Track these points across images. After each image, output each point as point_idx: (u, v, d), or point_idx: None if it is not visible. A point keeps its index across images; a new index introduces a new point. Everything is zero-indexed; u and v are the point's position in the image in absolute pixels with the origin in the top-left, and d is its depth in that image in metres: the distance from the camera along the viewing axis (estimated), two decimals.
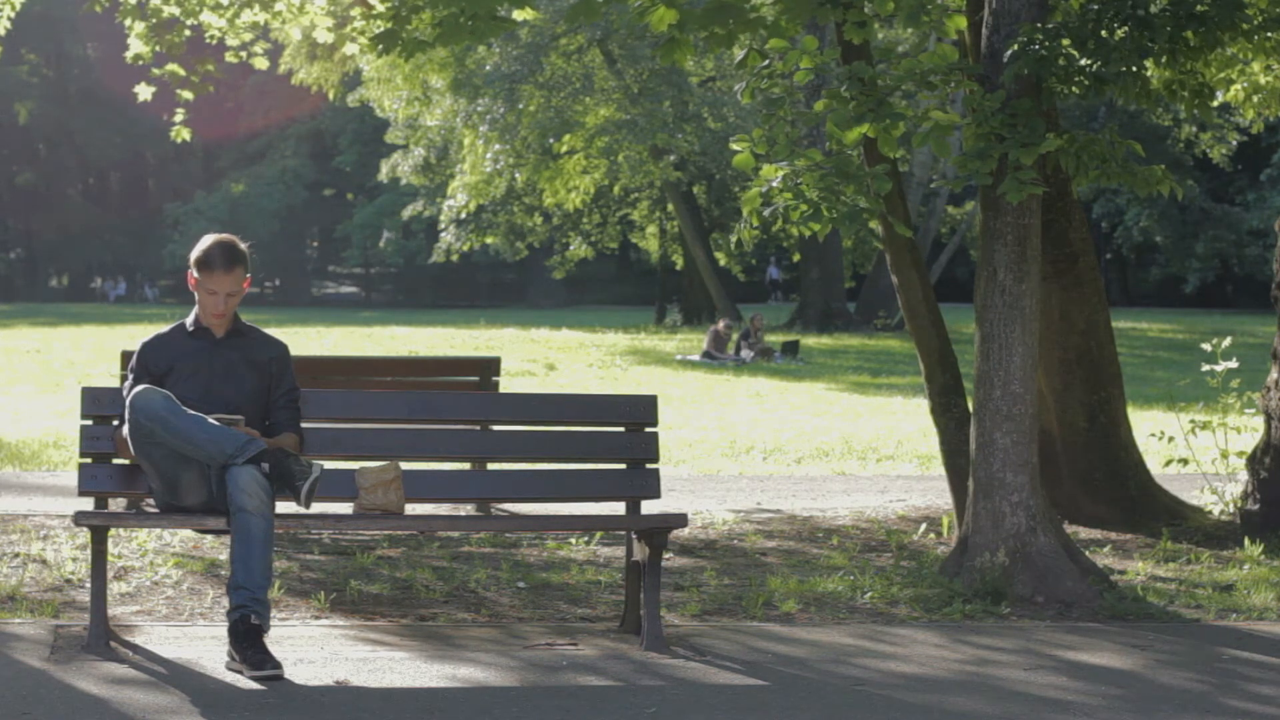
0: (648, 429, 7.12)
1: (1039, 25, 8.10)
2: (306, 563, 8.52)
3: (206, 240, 6.62)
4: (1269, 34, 9.45)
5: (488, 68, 35.99)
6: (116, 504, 7.82)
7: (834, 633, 7.23)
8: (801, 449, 15.05)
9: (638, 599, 6.92)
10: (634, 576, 6.98)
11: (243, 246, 6.63)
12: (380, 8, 10.69)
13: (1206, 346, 11.09)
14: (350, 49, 12.32)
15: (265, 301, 67.89)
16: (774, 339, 31.05)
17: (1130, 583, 8.48)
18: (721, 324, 29.67)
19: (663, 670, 6.36)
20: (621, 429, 7.15)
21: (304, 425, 6.76)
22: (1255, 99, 11.83)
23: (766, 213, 8.34)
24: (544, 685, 6.10)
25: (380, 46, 10.54)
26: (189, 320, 6.68)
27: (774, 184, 8.28)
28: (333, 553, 8.82)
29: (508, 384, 18.19)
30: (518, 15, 10.64)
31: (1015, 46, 8.01)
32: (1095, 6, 8.18)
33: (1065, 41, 8.00)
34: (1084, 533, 9.97)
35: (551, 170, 36.70)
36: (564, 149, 36.28)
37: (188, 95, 12.51)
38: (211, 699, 5.75)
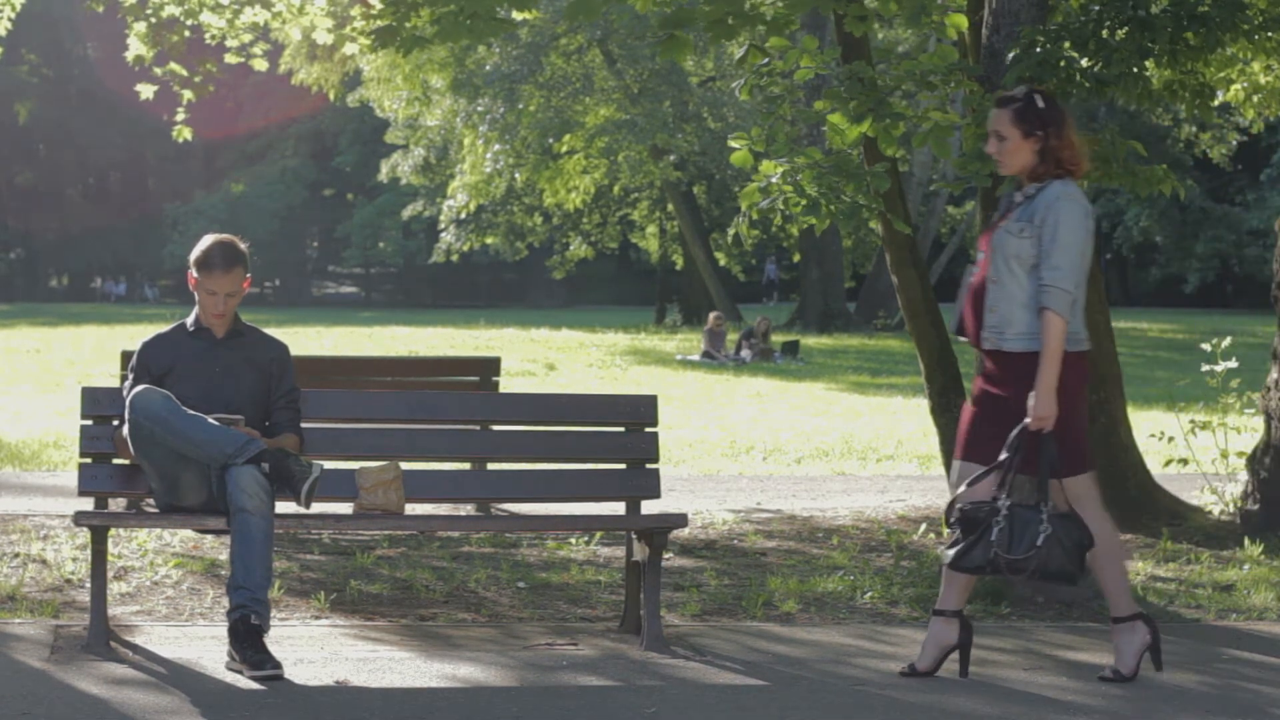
0: (648, 429, 7.12)
1: (1040, 28, 8.09)
2: (306, 563, 8.52)
3: (206, 240, 6.63)
4: (1269, 34, 9.45)
5: (488, 68, 35.98)
6: (116, 504, 7.83)
7: (834, 633, 7.23)
8: (801, 449, 15.04)
9: (638, 599, 6.92)
10: (634, 576, 6.98)
11: (242, 247, 6.65)
12: (380, 6, 10.68)
13: (1206, 346, 11.08)
14: (350, 49, 12.32)
15: (265, 301, 67.84)
16: (774, 339, 31.00)
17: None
18: (711, 318, 29.40)
19: (662, 670, 6.36)
20: (621, 429, 7.15)
21: (304, 425, 6.76)
22: (1255, 99, 11.84)
23: (764, 204, 8.33)
24: (543, 685, 6.10)
25: (379, 42, 10.52)
26: (189, 320, 6.69)
27: (773, 179, 8.28)
28: (333, 553, 8.81)
29: (508, 384, 18.18)
30: (518, 15, 10.64)
31: (1017, 50, 7.99)
32: (1096, 8, 8.17)
33: (1066, 45, 7.98)
34: None
35: (551, 170, 36.68)
36: (564, 149, 36.26)
37: (189, 95, 12.51)
38: (211, 699, 5.75)
